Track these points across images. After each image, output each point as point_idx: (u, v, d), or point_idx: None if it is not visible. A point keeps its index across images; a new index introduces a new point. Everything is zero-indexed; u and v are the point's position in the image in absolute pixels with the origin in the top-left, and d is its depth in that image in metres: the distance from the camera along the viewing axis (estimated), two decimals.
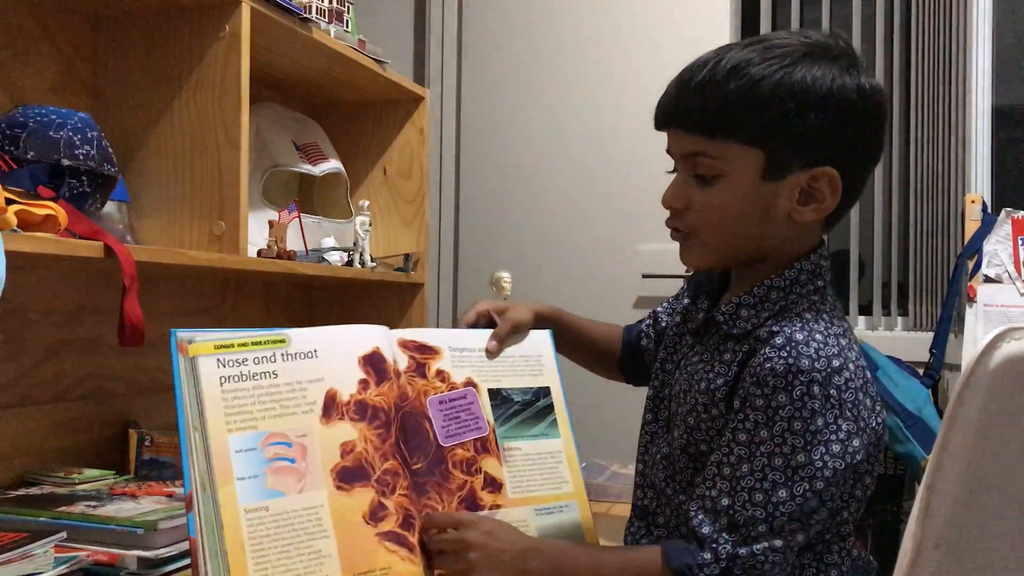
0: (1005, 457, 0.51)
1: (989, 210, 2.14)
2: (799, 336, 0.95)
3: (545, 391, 1.22)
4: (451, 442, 1.12)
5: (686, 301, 1.16)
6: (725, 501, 0.95)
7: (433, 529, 1.04)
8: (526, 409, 1.19)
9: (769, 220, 1.00)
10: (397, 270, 1.93)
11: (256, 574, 0.93)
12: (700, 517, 0.96)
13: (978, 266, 2.04)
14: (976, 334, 1.96)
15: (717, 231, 1.03)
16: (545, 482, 1.15)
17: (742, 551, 0.93)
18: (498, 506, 1.12)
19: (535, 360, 1.23)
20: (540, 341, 1.26)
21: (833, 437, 0.92)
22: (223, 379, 0.98)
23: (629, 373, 1.36)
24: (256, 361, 1.01)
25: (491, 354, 1.19)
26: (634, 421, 2.57)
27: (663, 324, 1.29)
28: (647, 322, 1.33)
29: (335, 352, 1.06)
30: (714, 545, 0.94)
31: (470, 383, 1.16)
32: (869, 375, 0.98)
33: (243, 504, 0.95)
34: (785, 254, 1.03)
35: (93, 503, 1.15)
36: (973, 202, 2.13)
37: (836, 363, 0.94)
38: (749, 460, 0.94)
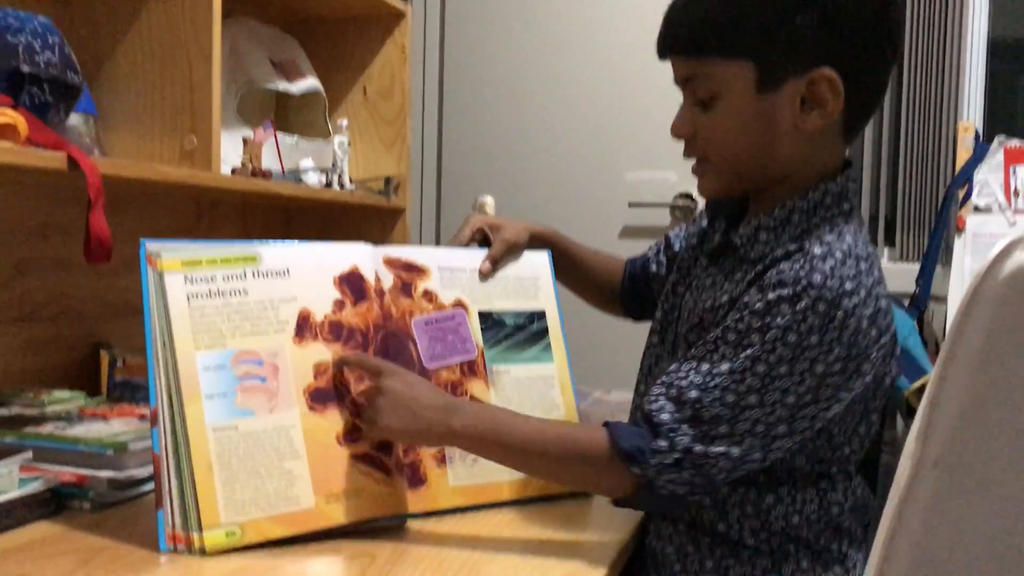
0: (1012, 373, 0.48)
1: (981, 139, 2.10)
2: (817, 250, 0.91)
3: (540, 315, 1.18)
4: (436, 364, 1.08)
5: (703, 224, 1.13)
6: (694, 393, 0.90)
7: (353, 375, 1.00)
8: (518, 333, 1.15)
9: (775, 135, 0.96)
10: (378, 193, 1.87)
11: (223, 494, 0.90)
12: (661, 403, 0.92)
13: (968, 196, 2.01)
14: (964, 265, 1.93)
15: (724, 154, 0.99)
16: (535, 407, 1.12)
17: (698, 447, 0.89)
18: None
19: (530, 282, 1.19)
20: (537, 263, 1.21)
21: (821, 358, 0.88)
22: (191, 296, 0.94)
23: (630, 306, 1.33)
24: (225, 279, 0.97)
25: (484, 276, 1.15)
26: (618, 348, 2.57)
27: (676, 248, 1.25)
28: (656, 248, 1.30)
29: (309, 271, 1.02)
30: (671, 434, 0.90)
31: (459, 304, 1.12)
32: (885, 305, 0.93)
33: (210, 423, 0.91)
34: (805, 173, 0.98)
35: (62, 424, 1.12)
36: (966, 130, 2.09)
37: (849, 285, 0.89)
38: (731, 360, 0.90)
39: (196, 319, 0.94)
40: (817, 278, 0.88)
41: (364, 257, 1.07)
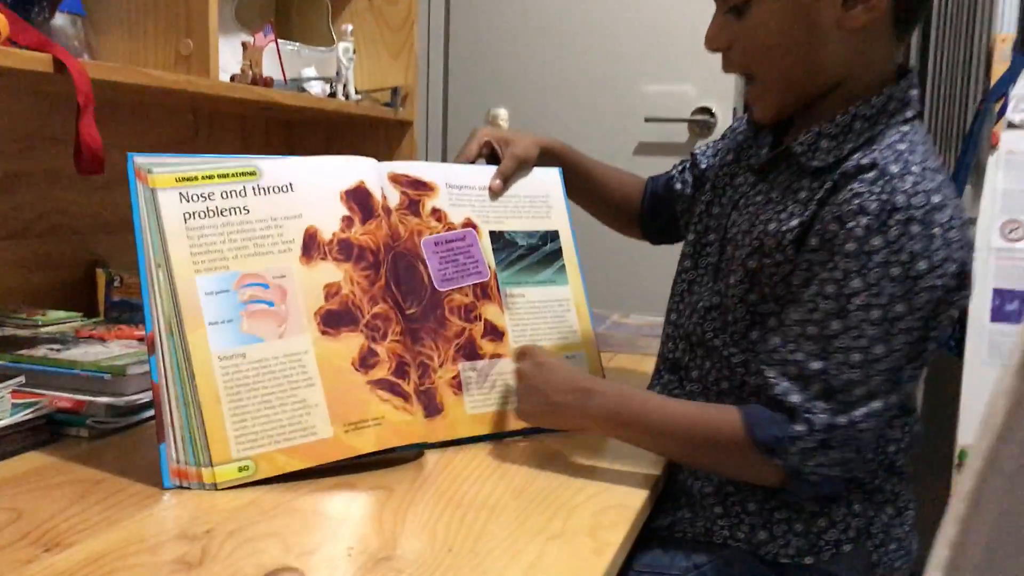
0: None
1: (1018, 51, 1.99)
2: (893, 168, 0.82)
3: (553, 235, 1.12)
4: (448, 287, 1.02)
5: (740, 137, 1.04)
6: (816, 365, 0.82)
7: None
8: (531, 254, 1.09)
9: (819, 35, 0.88)
10: (385, 105, 1.78)
11: (234, 426, 0.85)
12: (785, 385, 0.83)
13: (1003, 111, 1.91)
14: (996, 184, 1.85)
15: (767, 64, 0.92)
16: (551, 331, 1.07)
17: (840, 419, 0.81)
18: (499, 355, 1.04)
19: (541, 201, 1.12)
20: (548, 180, 1.14)
21: (932, 280, 0.80)
22: (187, 215, 0.87)
23: (649, 227, 1.25)
24: (224, 195, 0.90)
25: (494, 193, 1.08)
26: (635, 270, 2.50)
27: (703, 166, 1.17)
28: (682, 166, 1.22)
29: (314, 186, 0.95)
30: (807, 415, 0.82)
31: (469, 224, 1.06)
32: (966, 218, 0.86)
33: (216, 351, 0.85)
34: (860, 77, 0.90)
35: (57, 346, 1.06)
36: (1003, 41, 1.98)
37: (936, 199, 0.81)
38: (841, 316, 0.81)
39: (195, 240, 0.87)
40: (900, 199, 0.80)
41: (370, 172, 1.00)
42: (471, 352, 1.02)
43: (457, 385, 1.01)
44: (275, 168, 0.93)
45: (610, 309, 1.72)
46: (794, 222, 0.87)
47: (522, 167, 1.10)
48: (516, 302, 1.06)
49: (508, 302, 1.06)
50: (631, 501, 0.84)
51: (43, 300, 1.31)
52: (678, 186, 1.20)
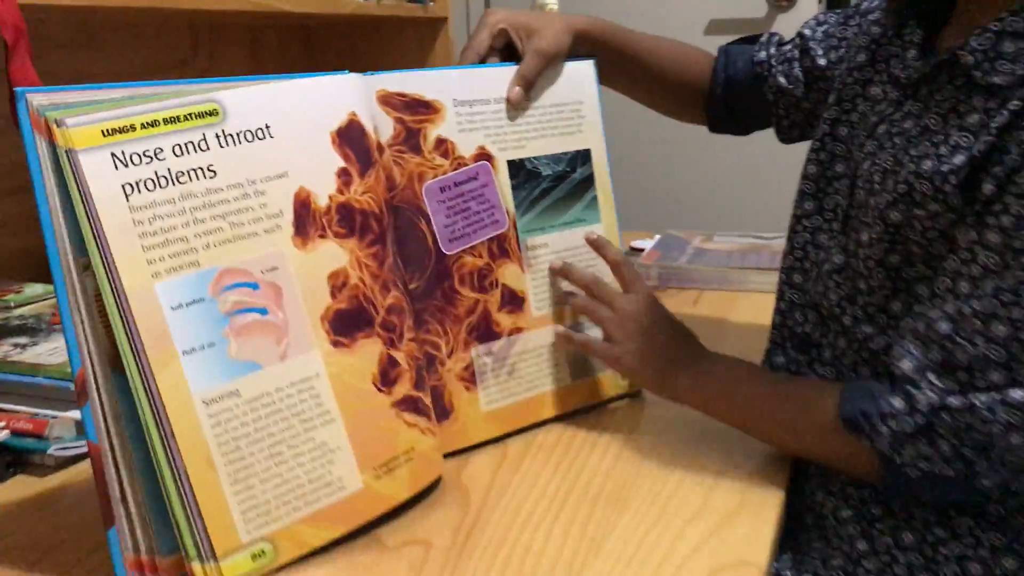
0: None
1: None
2: None
3: (584, 156, 0.87)
4: (458, 247, 0.78)
5: (875, 30, 0.80)
6: (944, 327, 0.63)
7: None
8: (558, 186, 0.85)
9: None
10: (411, 2, 1.44)
11: (239, 498, 0.60)
12: (903, 347, 0.65)
13: None
14: None
15: None
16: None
17: (954, 401, 0.61)
18: (519, 329, 0.82)
19: (572, 110, 0.86)
20: (580, 79, 0.87)
21: None
22: (129, 187, 0.57)
23: (721, 120, 1.01)
24: (179, 151, 0.60)
25: (513, 106, 0.82)
26: (708, 176, 2.31)
27: (823, 63, 0.90)
28: (782, 53, 0.94)
29: (296, 126, 0.66)
30: (910, 388, 0.63)
31: (483, 155, 0.80)
32: None
33: (199, 392, 0.58)
34: None
35: (24, 340, 0.77)
36: None
37: None
38: (999, 272, 0.61)
39: (145, 226, 0.57)
40: None
41: (357, 96, 0.72)
42: (486, 331, 0.80)
43: (470, 377, 0.79)
44: (242, 102, 0.63)
45: (686, 228, 1.44)
46: (959, 158, 0.64)
47: (551, 64, 0.83)
48: (537, 256, 0.84)
49: (529, 257, 0.83)
50: (754, 555, 0.63)
51: (19, 271, 1.04)
52: (782, 80, 0.93)
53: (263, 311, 0.62)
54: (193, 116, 0.61)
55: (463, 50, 0.85)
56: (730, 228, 1.53)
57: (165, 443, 0.57)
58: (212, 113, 0.61)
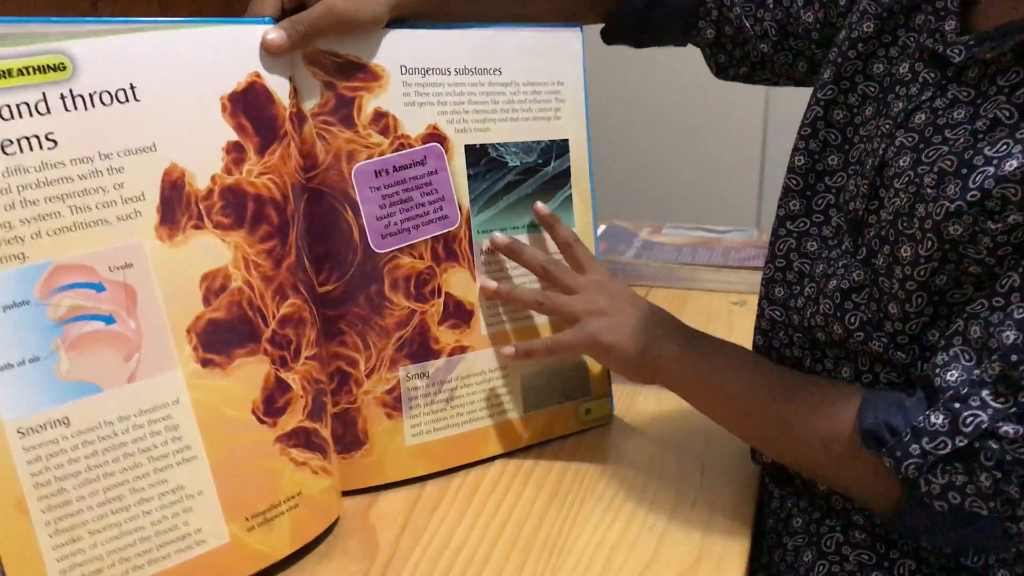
0: None
1: None
2: None
3: (561, 147, 0.75)
4: (393, 245, 0.67)
5: None
6: (1010, 336, 0.53)
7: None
8: (526, 180, 0.73)
9: None
10: None
11: (58, 552, 0.49)
12: (952, 352, 0.56)
13: None
14: None
15: None
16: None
17: (1008, 429, 0.52)
18: (463, 348, 0.71)
19: (550, 91, 0.74)
20: (563, 53, 0.74)
21: None
22: None
23: (621, 32, 0.83)
24: (7, 112, 0.49)
25: (272, 51, 0.60)
26: (667, 155, 2.17)
27: (809, 19, 0.76)
28: None
29: (173, 85, 0.55)
30: (957, 404, 0.53)
31: (435, 135, 0.69)
32: None
33: (12, 419, 0.48)
34: None
35: None
36: None
37: None
38: None
39: None
40: None
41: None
42: (421, 349, 0.69)
43: (394, 402, 0.68)
44: (99, 55, 0.52)
45: (634, 220, 1.34)
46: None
47: (342, 30, 0.63)
48: (493, 261, 0.72)
49: (482, 262, 0.72)
50: None
51: None
52: (747, 23, 0.78)
53: (107, 319, 0.51)
54: (31, 70, 0.50)
55: (248, 10, 0.64)
56: (681, 218, 1.42)
57: None
58: (58, 68, 0.51)
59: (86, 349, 0.50)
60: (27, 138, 0.49)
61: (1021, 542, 0.57)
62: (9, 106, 0.49)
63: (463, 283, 0.71)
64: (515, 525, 0.62)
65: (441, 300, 0.69)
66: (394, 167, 0.67)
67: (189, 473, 0.54)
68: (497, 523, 0.63)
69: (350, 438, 0.67)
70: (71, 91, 0.51)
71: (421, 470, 0.70)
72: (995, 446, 0.52)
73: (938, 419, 0.53)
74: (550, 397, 0.75)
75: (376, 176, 0.66)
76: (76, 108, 0.51)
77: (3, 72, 0.49)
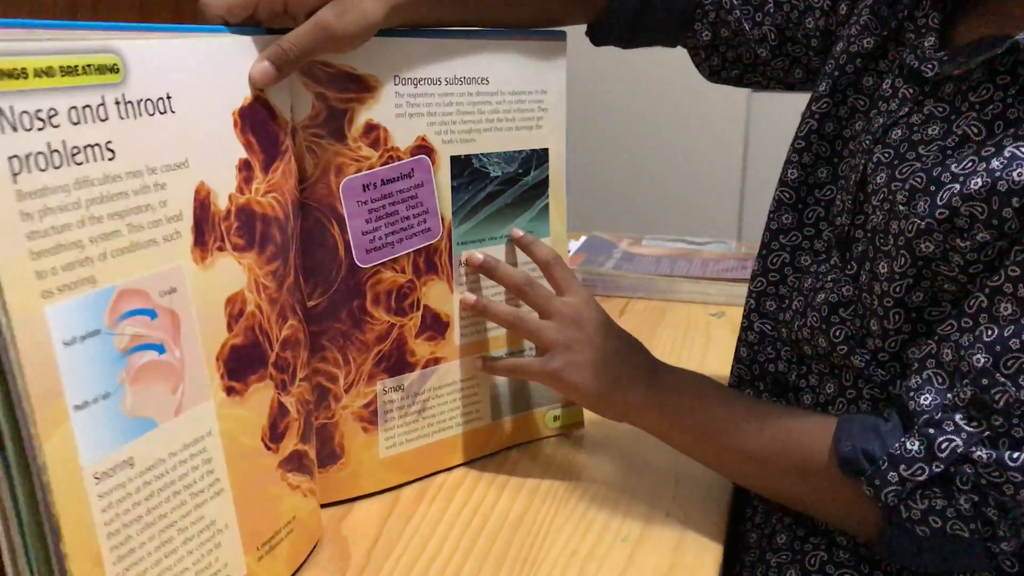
0: None
1: None
2: None
3: (541, 157, 0.76)
4: (376, 259, 0.67)
5: (881, 10, 0.69)
6: (980, 359, 0.54)
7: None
8: (506, 191, 0.75)
9: None
10: None
11: None
12: (925, 376, 0.57)
13: None
14: None
15: None
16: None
17: (981, 454, 0.54)
18: (437, 360, 0.73)
19: (533, 100, 0.74)
20: (547, 62, 0.75)
21: None
22: (17, 163, 0.41)
23: (613, 34, 0.81)
24: (75, 115, 0.44)
25: (256, 85, 0.58)
26: (649, 167, 1.99)
27: (810, 25, 0.76)
28: None
29: (199, 98, 0.52)
30: (931, 429, 0.55)
31: (423, 147, 0.69)
32: None
33: (89, 464, 0.44)
34: None
35: None
36: None
37: None
38: None
39: (36, 221, 0.41)
40: None
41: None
42: (398, 363, 0.70)
43: (371, 416, 0.70)
44: (145, 58, 0.48)
45: (615, 231, 1.29)
46: (1021, 172, 0.54)
47: (337, 47, 0.61)
48: (472, 274, 0.74)
49: (460, 275, 0.73)
50: None
51: None
52: (746, 26, 0.78)
53: (160, 348, 0.48)
54: (91, 69, 0.45)
55: (202, 3, 0.58)
56: (660, 230, 1.46)
57: (51, 537, 0.41)
58: (112, 69, 0.46)
59: (145, 382, 0.47)
60: (91, 146, 0.45)
61: (1004, 561, 0.58)
62: (76, 108, 0.44)
63: (441, 295, 0.72)
64: (488, 536, 0.66)
65: (419, 313, 0.71)
66: (382, 180, 0.67)
67: (219, 507, 0.52)
68: (470, 534, 0.66)
69: (326, 452, 0.67)
70: (123, 96, 0.47)
71: (394, 481, 0.72)
72: (970, 471, 0.54)
73: (914, 445, 0.56)
74: (518, 404, 0.79)
75: (364, 190, 0.66)
76: (129, 116, 0.47)
77: (68, 69, 0.44)
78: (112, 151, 0.46)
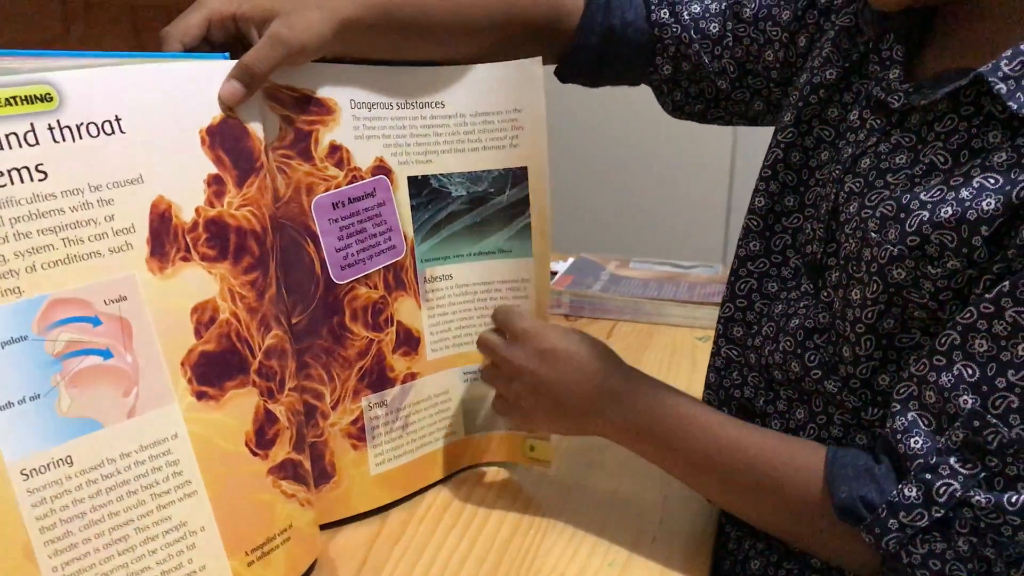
0: None
1: None
2: None
3: (518, 175, 0.76)
4: (351, 275, 0.69)
5: (844, 42, 0.69)
6: (968, 401, 0.54)
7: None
8: (473, 210, 0.75)
9: None
10: None
11: None
12: (909, 417, 0.56)
13: None
14: None
15: None
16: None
17: (980, 499, 0.53)
18: (413, 375, 0.73)
19: (505, 120, 0.74)
20: (520, 82, 0.74)
21: None
22: None
23: (579, 72, 0.82)
24: (2, 143, 0.48)
25: (226, 104, 0.59)
26: (636, 190, 2.16)
27: (770, 57, 0.76)
28: (713, 25, 0.78)
29: (156, 118, 0.55)
30: (927, 475, 0.54)
31: (381, 167, 0.71)
32: None
33: (15, 460, 0.47)
34: None
35: None
36: None
37: None
38: None
39: None
40: None
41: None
42: (380, 378, 0.71)
43: (359, 433, 0.70)
44: (85, 87, 0.52)
45: (602, 253, 1.35)
46: (989, 203, 0.54)
47: (293, 60, 0.61)
48: (437, 289, 0.75)
49: (426, 290, 0.74)
50: None
51: None
52: (705, 59, 0.78)
53: (106, 353, 0.51)
54: (19, 100, 0.49)
55: (161, 33, 0.61)
56: (648, 253, 1.49)
57: None
58: (45, 98, 0.50)
59: (85, 385, 0.50)
60: (17, 169, 0.49)
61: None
62: (3, 135, 0.48)
63: (411, 311, 0.73)
64: (476, 560, 0.64)
65: (394, 329, 0.71)
66: (349, 199, 0.69)
67: (191, 509, 0.53)
68: (458, 557, 0.65)
69: (318, 471, 0.67)
70: (59, 122, 0.51)
71: (385, 499, 0.72)
72: (969, 514, 0.54)
73: (912, 492, 0.55)
74: (491, 422, 0.78)
75: (334, 208, 0.68)
76: (64, 139, 0.51)
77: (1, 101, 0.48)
78: (44, 172, 0.50)
